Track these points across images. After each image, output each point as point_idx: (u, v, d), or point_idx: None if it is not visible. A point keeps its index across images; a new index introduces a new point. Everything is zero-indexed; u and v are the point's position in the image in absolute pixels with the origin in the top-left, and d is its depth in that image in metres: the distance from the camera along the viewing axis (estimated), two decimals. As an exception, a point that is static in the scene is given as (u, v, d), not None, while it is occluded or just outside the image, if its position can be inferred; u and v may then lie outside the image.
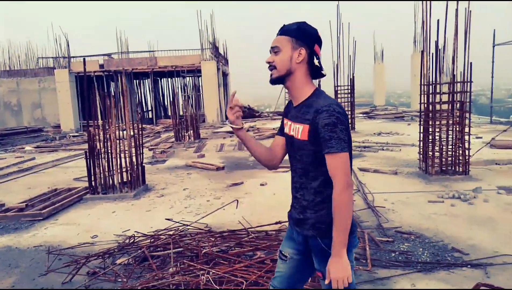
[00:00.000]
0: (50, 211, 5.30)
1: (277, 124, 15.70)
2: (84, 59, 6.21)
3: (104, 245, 4.07)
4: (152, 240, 3.81)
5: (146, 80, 22.75)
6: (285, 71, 1.66)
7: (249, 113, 21.14)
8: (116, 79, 18.52)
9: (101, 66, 19.17)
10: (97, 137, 6.01)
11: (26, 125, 18.48)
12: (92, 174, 5.98)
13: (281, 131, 1.84)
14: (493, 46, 13.43)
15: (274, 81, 1.71)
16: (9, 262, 3.82)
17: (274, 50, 1.68)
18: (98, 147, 6.02)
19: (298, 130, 1.66)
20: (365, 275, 3.08)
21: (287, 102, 1.79)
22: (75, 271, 3.34)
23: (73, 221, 5.01)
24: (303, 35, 1.67)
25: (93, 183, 6.02)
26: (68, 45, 18.45)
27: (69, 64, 18.62)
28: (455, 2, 5.98)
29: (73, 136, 15.95)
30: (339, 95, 12.95)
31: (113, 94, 6.71)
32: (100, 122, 6.16)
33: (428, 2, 6.25)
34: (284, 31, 1.68)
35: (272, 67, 1.68)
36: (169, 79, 23.77)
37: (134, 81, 21.76)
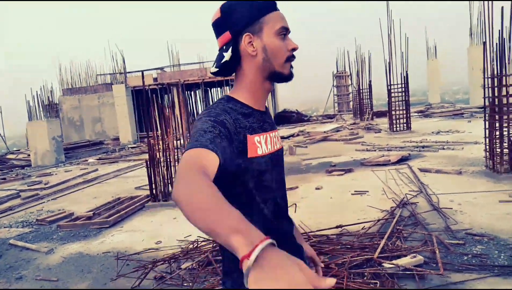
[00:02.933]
0: (116, 218, 5.56)
1: (326, 127, 15.47)
2: (142, 72, 6.51)
3: (168, 250, 4.20)
4: (215, 244, 3.87)
5: (197, 91, 23.39)
6: None
7: (297, 118, 21.06)
8: (169, 91, 19.18)
9: (155, 79, 19.97)
10: (156, 147, 6.25)
11: (88, 139, 19.62)
12: (152, 182, 6.21)
13: (219, 150, 1.00)
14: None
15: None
16: (81, 267, 4.04)
17: (288, 32, 1.22)
18: (158, 156, 6.25)
19: (279, 137, 1.31)
20: (437, 279, 2.92)
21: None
22: (143, 276, 3.47)
23: (137, 228, 5.22)
24: None
25: (154, 191, 6.25)
26: (124, 61, 19.41)
27: (126, 79, 19.58)
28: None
29: (131, 147, 16.70)
30: (392, 94, 12.54)
31: (169, 105, 6.96)
32: (159, 132, 6.40)
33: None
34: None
35: (294, 57, 1.23)
36: (219, 88, 24.28)
37: (186, 92, 22.44)
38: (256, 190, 1.18)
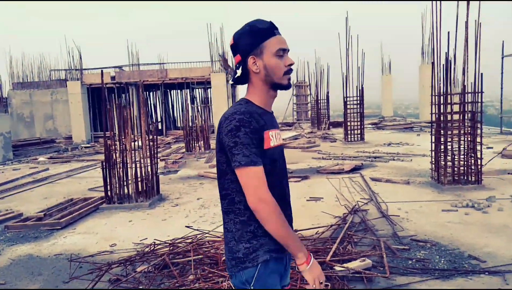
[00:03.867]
0: (68, 220, 5.40)
1: (286, 134, 15.77)
2: (101, 71, 6.38)
3: (123, 253, 4.15)
4: (171, 247, 3.89)
5: (156, 92, 23.03)
6: None
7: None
8: (127, 91, 18.80)
9: (113, 78, 19.46)
10: (113, 147, 6.14)
11: (38, 137, 18.76)
12: (108, 183, 6.10)
13: (259, 157, 1.48)
14: (502, 58, 13.46)
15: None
16: (32, 270, 3.91)
17: (286, 52, 1.57)
18: (114, 157, 6.14)
19: (280, 135, 1.64)
20: (384, 282, 3.12)
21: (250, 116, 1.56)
22: (98, 278, 3.42)
23: (91, 230, 5.11)
24: None
25: (109, 192, 6.13)
26: (80, 58, 18.79)
27: (81, 76, 18.94)
28: (465, 14, 6.07)
29: (85, 147, 16.15)
30: (348, 106, 13.03)
31: (127, 105, 6.86)
32: (116, 132, 6.29)
33: (438, 14, 6.34)
34: None
35: (291, 70, 1.58)
36: (179, 91, 24.05)
37: (145, 92, 22.03)
38: (270, 175, 1.49)
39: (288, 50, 1.57)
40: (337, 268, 3.22)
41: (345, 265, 3.25)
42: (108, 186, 6.11)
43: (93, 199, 6.49)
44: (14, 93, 20.32)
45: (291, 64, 1.55)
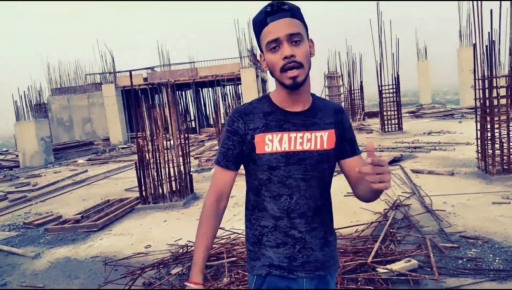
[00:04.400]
0: (104, 222, 5.45)
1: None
2: (130, 72, 6.39)
3: (157, 254, 4.11)
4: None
5: (188, 91, 23.23)
6: (309, 69, 1.29)
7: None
8: (160, 91, 19.00)
9: (145, 79, 19.79)
10: (146, 148, 6.14)
11: (77, 139, 19.37)
12: (142, 184, 6.11)
13: (231, 160, 1.36)
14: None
15: (299, 85, 1.27)
16: (69, 273, 3.93)
17: (294, 38, 1.24)
18: (147, 157, 6.14)
19: (321, 139, 1.33)
20: (432, 284, 2.88)
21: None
22: (132, 282, 3.37)
23: (126, 231, 5.11)
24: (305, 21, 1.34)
25: (143, 193, 6.14)
26: (113, 61, 19.20)
27: (115, 79, 19.37)
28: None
29: (122, 148, 16.51)
30: (383, 95, 12.55)
31: (158, 105, 6.86)
32: (148, 133, 6.29)
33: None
34: (295, 12, 1.27)
35: (295, 63, 1.23)
36: (210, 88, 24.14)
37: (177, 92, 22.28)
38: (265, 184, 1.35)
39: (290, 36, 1.23)
40: (380, 270, 3.00)
41: (388, 266, 3.03)
42: (143, 187, 6.12)
43: (128, 199, 6.54)
44: (53, 98, 21.07)
45: (288, 57, 1.22)
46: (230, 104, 17.60)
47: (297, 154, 1.32)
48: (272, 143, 1.31)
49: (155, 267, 3.60)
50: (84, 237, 5.03)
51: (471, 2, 5.94)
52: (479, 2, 5.84)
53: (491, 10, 5.75)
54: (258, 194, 1.38)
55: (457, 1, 17.82)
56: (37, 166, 13.10)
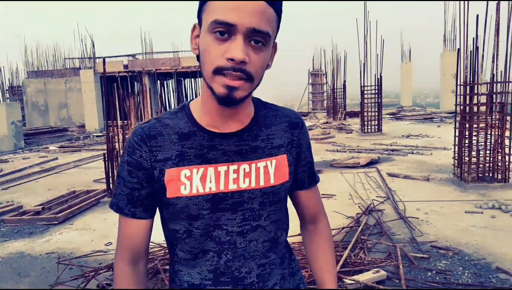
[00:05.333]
0: (66, 214, 5.17)
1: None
2: (104, 59, 6.09)
3: (117, 253, 3.88)
4: (166, 251, 3.59)
5: (170, 81, 22.80)
6: (257, 85, 0.86)
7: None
8: (140, 79, 18.57)
9: (125, 66, 19.29)
10: (116, 138, 5.87)
11: (52, 125, 18.78)
12: (110, 176, 5.84)
13: (139, 205, 0.93)
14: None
15: (235, 102, 0.82)
16: (19, 270, 3.67)
17: (257, 37, 0.79)
18: (117, 148, 5.88)
19: (266, 171, 0.92)
20: (399, 298, 2.75)
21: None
22: (84, 285, 3.15)
23: (88, 226, 4.86)
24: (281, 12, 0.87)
25: (111, 185, 5.87)
26: (93, 46, 18.62)
27: (94, 65, 18.82)
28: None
29: (97, 136, 16.07)
30: (365, 95, 12.50)
31: (137, 94, 6.58)
32: (119, 122, 6.02)
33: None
34: None
35: (241, 73, 0.79)
36: (192, 79, 23.76)
37: (158, 81, 21.83)
38: (180, 240, 0.94)
39: (254, 32, 0.78)
40: (347, 281, 2.86)
41: (355, 277, 2.89)
42: (110, 179, 5.86)
43: (96, 191, 6.26)
44: (28, 81, 20.36)
45: (235, 61, 0.77)
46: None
47: (230, 196, 0.90)
48: (190, 181, 0.88)
49: (111, 269, 3.38)
50: (43, 230, 4.75)
51: (457, 6, 5.83)
52: (465, 5, 5.75)
53: (477, 16, 5.67)
54: (172, 252, 0.98)
55: (443, 5, 17.92)
56: (5, 151, 12.58)
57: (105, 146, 12.41)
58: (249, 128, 0.93)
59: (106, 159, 5.81)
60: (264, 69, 0.85)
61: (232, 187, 0.90)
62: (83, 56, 19.03)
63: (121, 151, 5.93)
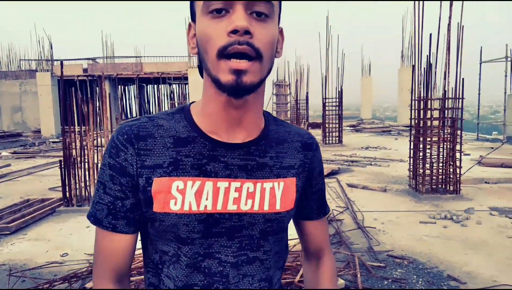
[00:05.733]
0: (19, 224, 4.93)
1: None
2: (61, 62, 5.90)
3: (74, 265, 3.74)
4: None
5: (132, 86, 22.36)
6: (269, 70, 0.75)
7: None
8: (100, 83, 18.11)
9: (85, 70, 18.74)
10: (74, 145, 5.69)
11: (4, 129, 17.88)
12: (67, 184, 5.64)
13: (121, 217, 0.79)
14: (480, 63, 13.53)
15: (246, 90, 0.71)
16: (-35, 283, 3.46)
17: (257, 7, 0.70)
18: (74, 155, 5.69)
19: (272, 194, 0.80)
20: (357, 306, 2.83)
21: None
22: (37, 297, 3.01)
23: (43, 236, 4.65)
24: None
25: (67, 194, 5.67)
26: (51, 48, 18.00)
27: (52, 68, 18.16)
28: (447, 16, 5.87)
29: (53, 142, 15.46)
30: (327, 107, 12.82)
31: (99, 98, 6.41)
32: (77, 128, 5.83)
33: (420, 15, 6.13)
34: None
35: (248, 47, 0.69)
36: (155, 85, 23.44)
37: (119, 86, 21.35)
38: (167, 264, 0.80)
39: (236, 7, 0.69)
40: (307, 290, 2.91)
41: (315, 286, 2.94)
42: (67, 187, 5.65)
43: (51, 200, 6.01)
44: (-20, 82, 19.33)
45: (239, 30, 0.68)
46: (176, 103, 17.16)
47: (227, 219, 0.78)
48: (183, 196, 0.76)
49: (67, 280, 3.25)
50: (-8, 241, 4.51)
51: (413, 24, 6.15)
52: (420, 24, 6.07)
53: (430, 34, 6.00)
54: (156, 274, 0.83)
55: (401, 23, 18.77)
56: (-48, 155, 11.83)
57: (61, 153, 11.99)
58: (257, 141, 0.81)
59: (63, 166, 5.61)
60: (273, 49, 0.74)
61: (232, 207, 0.77)
62: (40, 58, 18.33)
63: (78, 159, 5.75)
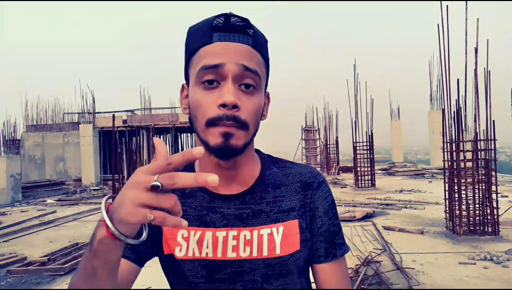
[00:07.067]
0: (72, 265, 5.27)
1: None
2: (113, 115, 6.47)
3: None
4: None
5: (167, 135, 23.30)
6: (253, 134, 0.82)
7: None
8: (138, 134, 19.00)
9: (124, 121, 19.82)
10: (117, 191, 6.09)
11: (48, 178, 18.87)
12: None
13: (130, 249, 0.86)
14: (512, 104, 13.44)
15: (234, 152, 0.77)
16: (30, 319, 3.75)
17: (247, 79, 0.77)
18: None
19: (271, 239, 0.82)
20: None
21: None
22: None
23: (94, 277, 4.95)
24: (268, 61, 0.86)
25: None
26: (94, 101, 19.26)
27: (94, 120, 19.31)
28: (473, 62, 6.11)
29: (94, 189, 16.16)
30: (358, 151, 12.97)
31: (137, 148, 6.89)
32: (126, 175, 6.27)
33: (446, 62, 6.40)
34: (259, 42, 0.81)
35: (235, 121, 0.75)
36: (189, 134, 24.32)
37: (156, 136, 22.32)
38: None
39: (244, 71, 0.76)
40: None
41: (359, 322, 3.06)
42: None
43: (98, 244, 6.35)
44: (27, 135, 20.70)
45: (227, 105, 0.74)
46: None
47: (228, 265, 0.81)
48: (187, 243, 0.82)
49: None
50: (49, 280, 4.84)
51: (441, 69, 6.41)
52: (447, 69, 6.32)
53: (458, 80, 6.23)
54: None
55: (428, 68, 19.04)
56: (3, 203, 12.61)
57: (101, 200, 12.52)
58: (252, 189, 0.85)
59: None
60: (259, 116, 0.81)
61: (231, 255, 0.81)
62: (83, 111, 19.58)
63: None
